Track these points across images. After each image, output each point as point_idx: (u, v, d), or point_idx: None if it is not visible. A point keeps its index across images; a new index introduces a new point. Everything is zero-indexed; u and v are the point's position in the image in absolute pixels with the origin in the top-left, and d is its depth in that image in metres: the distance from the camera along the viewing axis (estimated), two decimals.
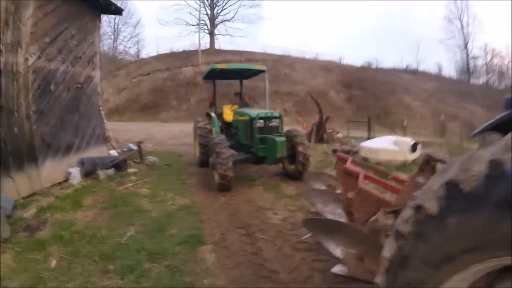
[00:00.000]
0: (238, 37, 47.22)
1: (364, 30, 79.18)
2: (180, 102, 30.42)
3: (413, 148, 7.67)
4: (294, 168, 6.69)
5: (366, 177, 3.60)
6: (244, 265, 3.39)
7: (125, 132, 18.04)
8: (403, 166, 7.37)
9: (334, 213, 3.86)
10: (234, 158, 6.22)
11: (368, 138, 14.10)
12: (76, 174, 6.80)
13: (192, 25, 43.44)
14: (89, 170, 7.02)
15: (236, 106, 8.19)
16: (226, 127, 8.09)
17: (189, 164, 8.98)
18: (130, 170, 7.47)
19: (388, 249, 1.51)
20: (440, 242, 1.32)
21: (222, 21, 44.90)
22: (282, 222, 4.47)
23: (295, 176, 6.69)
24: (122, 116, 30.22)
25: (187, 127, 19.73)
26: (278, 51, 37.95)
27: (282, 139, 6.09)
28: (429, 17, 78.26)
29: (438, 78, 42.51)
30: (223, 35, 46.34)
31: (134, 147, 9.21)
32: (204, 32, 42.91)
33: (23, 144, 5.83)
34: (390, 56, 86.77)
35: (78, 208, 5.21)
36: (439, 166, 2.70)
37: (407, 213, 1.44)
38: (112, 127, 20.33)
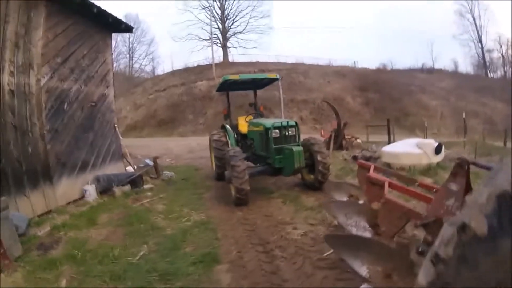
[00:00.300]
0: (251, 49, 47.19)
1: (375, 32, 78.57)
2: (197, 116, 30.61)
3: (437, 150, 7.26)
4: (313, 178, 6.38)
5: (391, 185, 3.32)
6: (262, 286, 3.15)
7: (143, 148, 18.16)
8: (427, 170, 6.97)
9: (358, 226, 3.58)
10: (250, 171, 6.02)
11: (389, 142, 13.66)
12: (91, 191, 6.75)
13: (205, 39, 44.02)
14: (105, 187, 6.96)
15: (250, 117, 8.02)
16: (242, 138, 7.93)
17: (206, 177, 8.83)
18: (146, 186, 7.39)
19: (425, 275, 1.26)
20: (490, 268, 1.06)
21: (234, 34, 45.35)
22: (302, 237, 4.18)
23: (315, 187, 6.37)
24: (140, 132, 30.64)
25: (204, 141, 19.43)
26: (291, 60, 38.03)
27: (299, 148, 5.84)
28: (441, 13, 76.86)
29: (455, 75, 41.41)
30: (235, 47, 46.72)
31: (151, 163, 9.13)
32: (216, 45, 43.38)
33: (38, 163, 5.85)
34: (404, 57, 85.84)
35: (92, 226, 5.13)
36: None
37: (448, 232, 1.18)
38: (130, 143, 20.67)
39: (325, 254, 3.56)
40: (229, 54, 44.30)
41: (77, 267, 3.70)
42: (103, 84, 8.00)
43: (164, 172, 8.95)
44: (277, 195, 6.35)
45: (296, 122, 6.42)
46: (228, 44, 44.93)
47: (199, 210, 5.75)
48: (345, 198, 4.53)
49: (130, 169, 8.54)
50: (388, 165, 7.39)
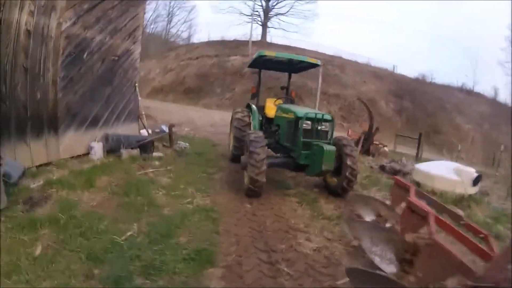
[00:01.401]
0: (291, 32, 45.65)
1: (420, 40, 75.19)
2: (225, 90, 30.02)
3: (476, 181, 6.43)
4: (337, 183, 5.61)
5: (437, 221, 2.69)
6: None
7: (165, 113, 17.88)
8: (460, 200, 6.10)
9: (383, 255, 2.97)
10: (270, 161, 5.34)
11: (416, 157, 12.90)
12: (97, 149, 6.38)
13: (246, 15, 42.85)
14: (113, 147, 6.57)
15: (280, 101, 7.28)
16: (266, 122, 7.29)
17: (221, 156, 8.29)
18: (156, 154, 6.93)
19: None
20: None
21: (276, 14, 43.76)
22: (315, 253, 3.56)
23: (337, 193, 5.63)
24: (165, 96, 30.44)
25: (228, 116, 18.75)
26: (330, 51, 36.50)
27: (332, 148, 4.98)
28: (491, 35, 72.71)
29: (493, 102, 39.09)
30: (275, 28, 45.27)
31: (166, 130, 8.67)
32: (257, 23, 42.17)
33: (45, 111, 5.50)
34: (444, 71, 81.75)
35: (87, 188, 4.71)
36: None
37: None
38: (153, 105, 20.59)
39: (338, 282, 2.95)
40: (268, 34, 43.05)
41: (57, 235, 3.30)
42: (130, 39, 7.49)
43: (179, 142, 8.48)
44: (293, 193, 5.67)
45: (332, 117, 5.56)
46: (269, 24, 43.65)
47: (205, 192, 5.19)
48: (371, 216, 3.94)
49: (144, 132, 8.11)
50: (418, 184, 6.65)
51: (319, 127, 5.35)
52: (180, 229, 3.74)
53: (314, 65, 6.99)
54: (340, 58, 35.47)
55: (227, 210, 4.62)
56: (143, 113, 8.29)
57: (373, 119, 10.42)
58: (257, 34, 40.87)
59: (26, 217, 3.58)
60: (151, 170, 5.88)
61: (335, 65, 31.27)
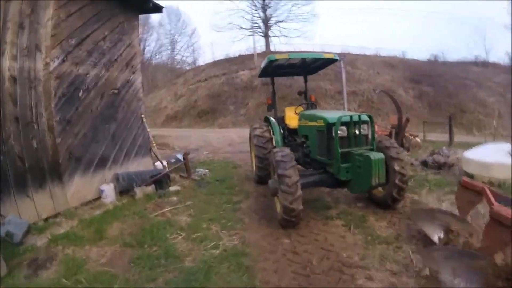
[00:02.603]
0: (294, 38, 45.34)
1: (423, 20, 73.09)
2: (238, 106, 29.55)
3: None
4: (385, 192, 4.73)
5: None
6: None
7: (182, 139, 17.53)
8: None
9: None
10: (303, 181, 4.34)
11: (450, 142, 11.87)
12: (109, 192, 5.86)
13: (246, 28, 42.72)
14: (126, 187, 6.02)
15: (301, 108, 6.51)
16: (289, 134, 6.52)
17: (245, 178, 7.51)
18: (173, 188, 6.27)
19: None
20: None
21: (276, 22, 43.52)
22: None
23: (387, 204, 4.76)
24: (180, 122, 30.25)
25: (245, 133, 18.13)
26: (336, 49, 35.56)
27: (380, 156, 3.99)
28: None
29: (510, 69, 37.32)
30: (277, 36, 45.07)
31: (182, 158, 8.08)
32: (258, 35, 41.95)
33: (45, 159, 5.03)
34: (456, 47, 79.06)
35: (98, 240, 4.17)
36: None
37: None
38: (169, 133, 20.28)
39: None
40: (271, 43, 42.79)
41: None
42: (128, 69, 7.01)
43: (197, 170, 7.87)
44: (335, 214, 4.80)
45: (371, 116, 4.56)
46: (270, 33, 43.36)
47: (232, 229, 4.40)
48: (438, 233, 3.20)
49: (159, 165, 7.53)
50: (471, 176, 5.71)
51: (357, 132, 4.42)
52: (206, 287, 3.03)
53: (332, 61, 6.16)
54: (348, 54, 34.43)
55: (262, 250, 3.77)
56: (154, 144, 7.71)
57: (401, 110, 9.49)
58: (260, 46, 40.64)
59: (29, 285, 3.17)
60: (168, 208, 5.20)
61: (345, 62, 30.10)
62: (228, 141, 16.56)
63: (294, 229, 4.29)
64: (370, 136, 4.52)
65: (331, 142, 4.47)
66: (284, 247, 3.84)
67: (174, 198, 5.73)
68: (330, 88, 26.73)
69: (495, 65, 37.93)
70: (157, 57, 53.50)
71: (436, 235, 3.39)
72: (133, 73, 7.14)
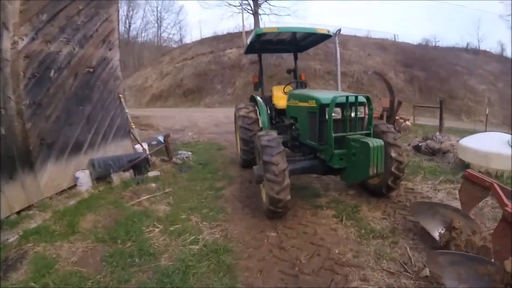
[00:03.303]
0: (284, 16, 44.20)
1: (416, 3, 72.58)
2: (225, 86, 28.93)
3: None
4: (380, 181, 4.44)
5: None
6: None
7: (167, 119, 17.09)
8: None
9: None
10: (291, 167, 3.99)
11: (440, 127, 11.75)
12: (84, 179, 5.51)
13: (235, 6, 41.51)
14: (102, 173, 5.65)
15: (290, 87, 6.12)
16: (277, 115, 6.14)
17: (229, 162, 7.21)
18: (152, 173, 5.94)
19: None
20: None
21: (266, 0, 42.46)
22: None
23: (380, 192, 4.52)
24: (165, 102, 29.56)
25: (232, 113, 17.72)
26: (328, 28, 35.06)
27: (380, 143, 3.53)
28: None
29: (501, 58, 37.39)
30: (267, 14, 43.81)
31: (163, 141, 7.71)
32: (247, 12, 40.66)
33: (14, 147, 4.60)
34: (448, 33, 79.23)
35: (70, 235, 3.84)
36: None
37: None
38: (154, 113, 19.75)
39: None
40: (260, 21, 41.55)
41: None
42: (105, 45, 6.50)
43: (179, 152, 7.52)
44: (325, 202, 4.50)
45: (368, 98, 4.07)
46: (260, 11, 42.16)
47: (213, 220, 4.07)
48: (439, 229, 3.00)
49: (139, 148, 7.15)
50: (467, 165, 5.57)
51: (352, 115, 3.96)
52: None
53: (325, 37, 5.71)
54: (340, 34, 33.98)
55: (245, 246, 3.45)
56: (134, 126, 7.28)
57: (394, 93, 9.19)
58: (249, 24, 39.52)
59: None
60: (145, 197, 4.88)
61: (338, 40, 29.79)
62: (214, 121, 16.25)
63: (280, 220, 4.02)
64: (366, 120, 4.10)
65: (323, 125, 4.02)
66: (270, 241, 3.57)
67: (153, 185, 5.40)
68: (319, 68, 26.28)
69: (486, 53, 38.19)
70: (143, 35, 52.11)
71: (437, 232, 3.20)
72: (110, 50, 6.64)
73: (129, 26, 49.99)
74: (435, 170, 5.80)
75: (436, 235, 3.19)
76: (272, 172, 3.64)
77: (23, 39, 4.74)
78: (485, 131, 14.19)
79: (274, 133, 4.16)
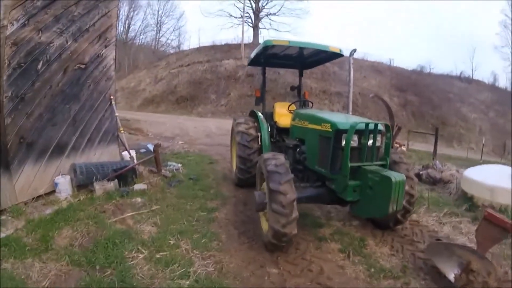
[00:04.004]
0: (283, 32, 44.45)
1: (412, 30, 74.29)
2: (219, 96, 28.51)
3: None
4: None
5: None
6: None
7: (157, 125, 16.61)
8: None
9: None
10: (297, 195, 3.49)
11: (434, 153, 11.61)
12: (64, 185, 5.00)
13: (236, 17, 41.58)
14: (84, 181, 5.12)
15: (293, 106, 5.75)
16: (278, 134, 5.75)
17: (222, 178, 6.73)
18: (139, 186, 5.39)
19: None
20: None
21: (267, 15, 42.52)
22: None
23: (387, 226, 4.20)
24: (157, 107, 28.98)
25: (225, 124, 17.64)
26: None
27: (402, 178, 3.15)
28: (485, 20, 72.10)
29: (493, 88, 38.71)
30: (267, 29, 44.16)
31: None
32: (247, 25, 40.84)
33: None
34: (442, 60, 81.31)
35: (43, 251, 3.36)
36: None
37: None
38: (144, 118, 19.16)
39: None
40: (259, 35, 41.70)
41: None
42: (100, 42, 6.03)
43: (169, 164, 7.03)
44: (329, 234, 4.10)
45: (388, 126, 3.72)
46: (260, 25, 42.32)
47: (206, 249, 3.56)
48: (455, 270, 2.96)
49: (126, 155, 6.62)
50: (470, 197, 5.37)
51: (369, 144, 3.55)
52: None
53: (336, 56, 5.36)
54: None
55: (243, 283, 2.97)
56: (123, 131, 6.75)
57: (394, 118, 8.90)
58: (248, 37, 39.59)
59: None
60: (130, 213, 4.33)
61: (333, 62, 29.67)
62: (206, 131, 15.85)
63: (282, 253, 3.56)
64: (383, 150, 3.73)
65: (337, 152, 3.59)
66: (271, 279, 3.10)
67: (139, 200, 4.85)
68: (315, 86, 26.17)
69: (479, 83, 39.09)
70: (141, 37, 51.77)
71: (453, 274, 2.97)
72: (106, 47, 6.16)
73: (128, 27, 49.72)
74: (438, 201, 5.56)
75: (451, 277, 2.99)
76: (279, 202, 3.20)
77: (13, 24, 4.32)
78: (481, 159, 14.19)
79: (281, 157, 3.71)
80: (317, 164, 3.99)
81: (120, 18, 48.63)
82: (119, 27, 48.87)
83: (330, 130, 3.67)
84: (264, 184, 3.66)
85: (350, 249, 3.67)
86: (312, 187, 4.08)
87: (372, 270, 3.24)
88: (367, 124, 3.49)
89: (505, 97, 33.24)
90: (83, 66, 5.63)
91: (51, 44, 5.00)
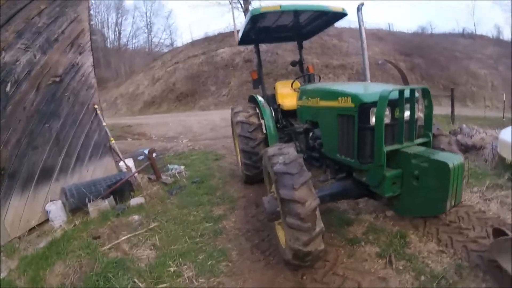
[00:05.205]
0: None
1: None
2: (219, 86, 27.83)
3: None
4: None
5: None
6: None
7: (160, 126, 16.23)
8: None
9: None
10: (319, 194, 2.83)
11: (452, 116, 10.94)
12: (56, 212, 4.59)
13: (224, 5, 40.48)
14: (77, 203, 4.66)
15: (297, 83, 5.06)
16: (284, 118, 5.11)
17: (229, 175, 6.13)
18: (135, 200, 4.88)
19: None
20: None
21: None
22: None
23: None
24: (158, 108, 28.54)
25: (229, 115, 16.64)
26: None
27: (460, 161, 2.39)
28: None
29: (498, 42, 37.01)
30: None
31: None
32: (238, 10, 39.63)
33: None
34: (442, 20, 78.59)
35: None
36: None
37: None
38: (146, 121, 18.72)
39: None
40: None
41: None
42: (73, 49, 5.53)
43: (170, 167, 6.54)
44: (360, 233, 3.40)
45: (427, 90, 2.80)
46: (250, 8, 41.17)
47: (212, 274, 2.94)
48: None
49: (123, 165, 6.14)
50: (511, 165, 4.62)
51: (404, 118, 2.67)
52: None
53: (338, 17, 4.62)
54: (333, 27, 33.10)
55: None
56: (113, 141, 6.22)
57: (408, 82, 8.24)
58: (240, 22, 38.50)
59: None
60: (125, 236, 3.83)
61: (331, 35, 28.84)
62: (210, 125, 15.32)
63: (307, 269, 2.86)
64: (422, 122, 2.88)
65: (365, 134, 2.74)
66: None
67: (136, 217, 4.33)
68: (317, 62, 25.22)
69: (482, 37, 37.76)
70: (134, 41, 51.38)
71: None
72: (81, 54, 5.64)
73: (119, 33, 49.38)
74: (476, 172, 4.82)
75: None
76: (296, 214, 2.41)
77: None
78: (503, 117, 13.43)
79: (291, 150, 2.85)
80: (339, 151, 3.17)
81: (109, 26, 48.29)
82: (110, 35, 48.53)
83: (352, 105, 2.80)
84: (273, 186, 2.90)
85: (390, 252, 2.96)
86: (335, 179, 3.35)
87: (422, 278, 2.60)
88: (401, 91, 2.61)
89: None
90: (57, 79, 5.15)
91: (17, 62, 4.52)
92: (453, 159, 2.35)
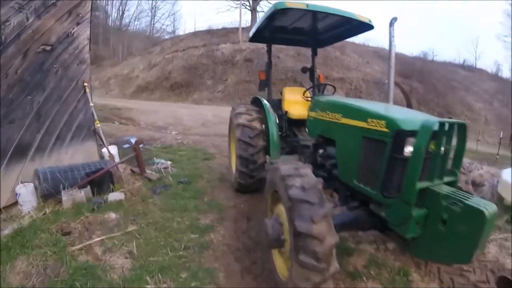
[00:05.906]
0: None
1: (415, 17, 72.73)
2: (216, 82, 27.21)
3: None
4: None
5: None
6: None
7: (150, 114, 15.70)
8: None
9: None
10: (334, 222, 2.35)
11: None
12: (26, 196, 4.06)
13: (233, 0, 39.97)
14: (51, 189, 4.15)
15: (307, 93, 4.72)
16: (289, 127, 4.76)
17: (219, 179, 5.68)
18: (114, 195, 4.38)
19: None
20: None
21: None
22: None
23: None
24: (151, 94, 27.77)
25: (222, 112, 16.53)
26: None
27: (494, 209, 2.01)
28: (488, 9, 71.06)
29: (496, 78, 37.89)
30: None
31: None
32: (245, 8, 39.22)
33: None
34: (445, 48, 79.96)
35: None
36: None
37: None
38: (137, 106, 18.12)
39: None
40: (257, 19, 40.32)
41: None
42: (71, 18, 5.02)
43: (156, 161, 6.08)
44: (361, 265, 3.10)
45: (464, 125, 2.37)
46: (258, 9, 40.62)
47: None
48: None
49: (106, 152, 5.65)
50: (510, 206, 4.43)
51: (440, 153, 2.31)
52: None
53: (362, 28, 4.27)
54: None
55: None
56: (99, 124, 5.70)
57: (412, 106, 7.94)
58: (246, 20, 38.16)
59: None
60: (98, 238, 3.38)
61: (335, 46, 28.60)
62: (201, 119, 14.86)
63: None
64: (457, 160, 2.50)
65: (395, 165, 2.38)
66: None
67: (113, 216, 3.86)
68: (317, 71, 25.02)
69: (482, 72, 38.32)
70: (136, 23, 50.46)
71: None
72: (78, 24, 5.13)
73: (122, 13, 48.35)
74: None
75: None
76: (312, 253, 2.05)
77: None
78: (497, 154, 13.37)
79: (309, 173, 2.45)
80: (358, 178, 2.79)
81: (114, 4, 47.26)
82: (114, 13, 47.52)
83: (387, 130, 2.43)
84: (279, 208, 2.59)
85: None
86: (345, 207, 2.97)
87: None
88: (442, 124, 2.25)
89: (508, 87, 32.38)
90: (48, 48, 4.65)
91: (7, 23, 4.05)
92: (488, 207, 2.01)
